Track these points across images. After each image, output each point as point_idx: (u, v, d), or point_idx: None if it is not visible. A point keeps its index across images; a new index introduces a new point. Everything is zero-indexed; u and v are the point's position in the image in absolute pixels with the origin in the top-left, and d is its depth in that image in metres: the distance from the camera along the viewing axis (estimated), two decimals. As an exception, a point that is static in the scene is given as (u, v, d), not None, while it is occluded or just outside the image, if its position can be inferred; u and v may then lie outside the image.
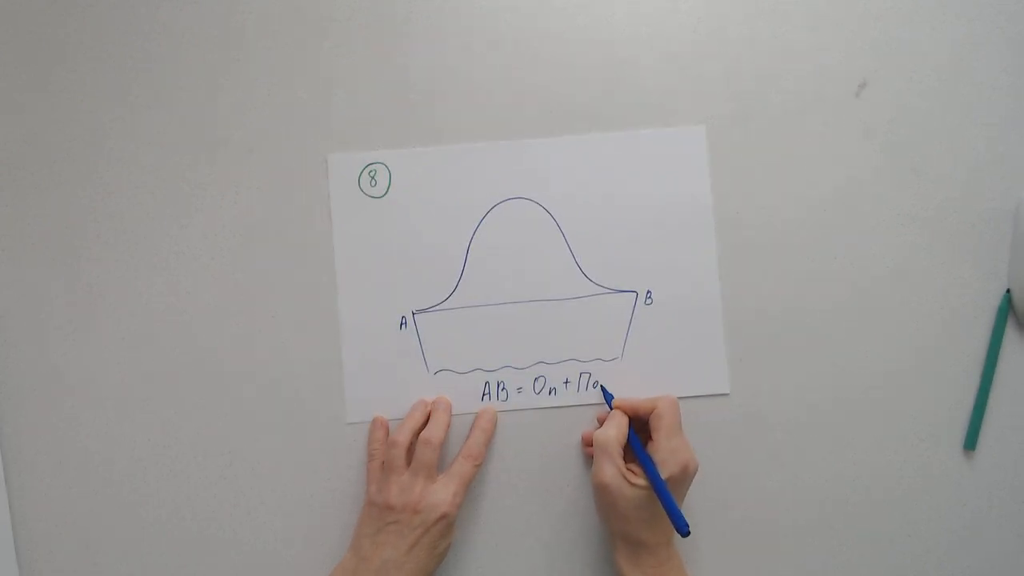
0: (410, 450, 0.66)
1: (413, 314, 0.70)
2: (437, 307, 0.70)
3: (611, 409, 0.67)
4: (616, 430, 0.63)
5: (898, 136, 0.70)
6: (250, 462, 0.69)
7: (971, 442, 0.69)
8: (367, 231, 0.70)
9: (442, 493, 0.64)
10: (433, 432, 0.66)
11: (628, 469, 0.62)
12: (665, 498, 0.60)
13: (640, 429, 0.65)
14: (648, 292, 0.70)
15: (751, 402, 0.69)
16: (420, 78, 0.71)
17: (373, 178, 0.70)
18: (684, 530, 0.58)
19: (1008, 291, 0.69)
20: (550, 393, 0.69)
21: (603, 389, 0.69)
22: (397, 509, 0.63)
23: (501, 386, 0.69)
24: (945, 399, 0.69)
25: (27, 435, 0.69)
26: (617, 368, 0.69)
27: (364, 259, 0.70)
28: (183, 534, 0.69)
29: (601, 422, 0.67)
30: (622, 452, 0.63)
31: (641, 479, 0.61)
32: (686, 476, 0.62)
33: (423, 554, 0.63)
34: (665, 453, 0.61)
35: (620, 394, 0.69)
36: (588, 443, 0.68)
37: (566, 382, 0.70)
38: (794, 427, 0.69)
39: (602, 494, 0.62)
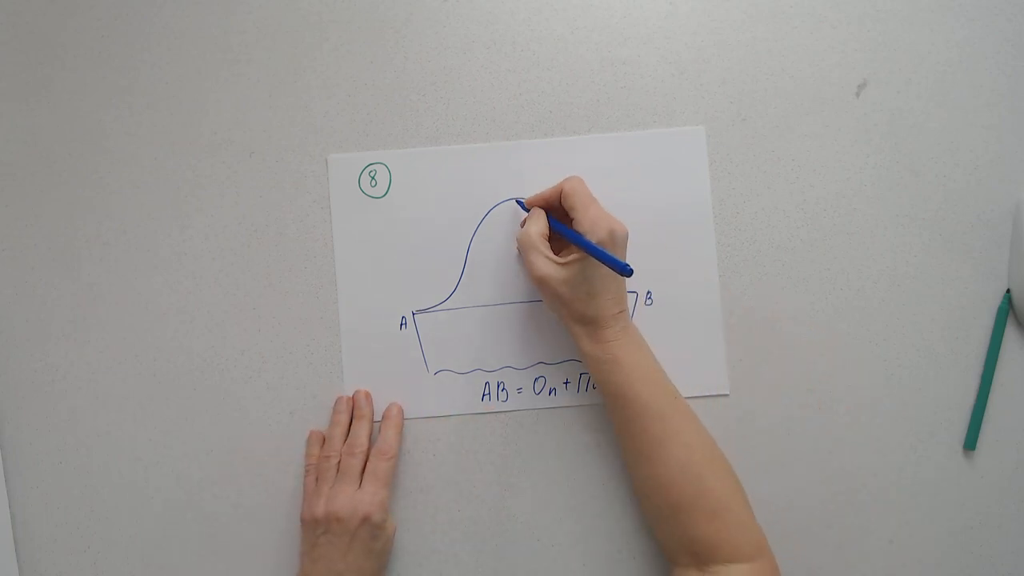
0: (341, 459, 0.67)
1: (413, 314, 0.70)
2: (437, 307, 0.70)
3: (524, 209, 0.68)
4: (536, 225, 0.64)
5: (898, 136, 0.70)
6: (250, 462, 0.69)
7: (971, 442, 0.69)
8: (367, 231, 0.70)
9: (360, 496, 0.64)
10: (352, 442, 0.67)
11: (557, 255, 0.64)
12: (597, 252, 0.61)
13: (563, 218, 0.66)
14: (648, 293, 0.70)
15: (751, 402, 0.69)
16: (420, 78, 0.71)
17: (373, 178, 0.70)
18: (627, 270, 0.59)
19: (1008, 291, 0.69)
20: (550, 393, 0.69)
21: (518, 201, 0.69)
22: (323, 521, 0.64)
23: (501, 386, 0.69)
24: (945, 399, 0.69)
25: (27, 435, 0.69)
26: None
27: (364, 259, 0.70)
28: (183, 534, 0.69)
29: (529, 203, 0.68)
30: (547, 244, 0.64)
31: (569, 255, 0.63)
32: (616, 239, 0.62)
33: (360, 558, 0.64)
34: (587, 224, 0.62)
35: None
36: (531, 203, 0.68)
37: (566, 383, 0.70)
38: (794, 427, 0.69)
39: (542, 286, 0.63)
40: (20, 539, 0.69)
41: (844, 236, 0.70)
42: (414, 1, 0.71)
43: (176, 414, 0.69)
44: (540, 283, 0.63)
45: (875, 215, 0.70)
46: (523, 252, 0.64)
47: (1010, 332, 0.69)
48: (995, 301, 0.69)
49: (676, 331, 0.69)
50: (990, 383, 0.69)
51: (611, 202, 0.70)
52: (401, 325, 0.70)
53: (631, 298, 0.70)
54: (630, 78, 0.71)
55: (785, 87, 0.71)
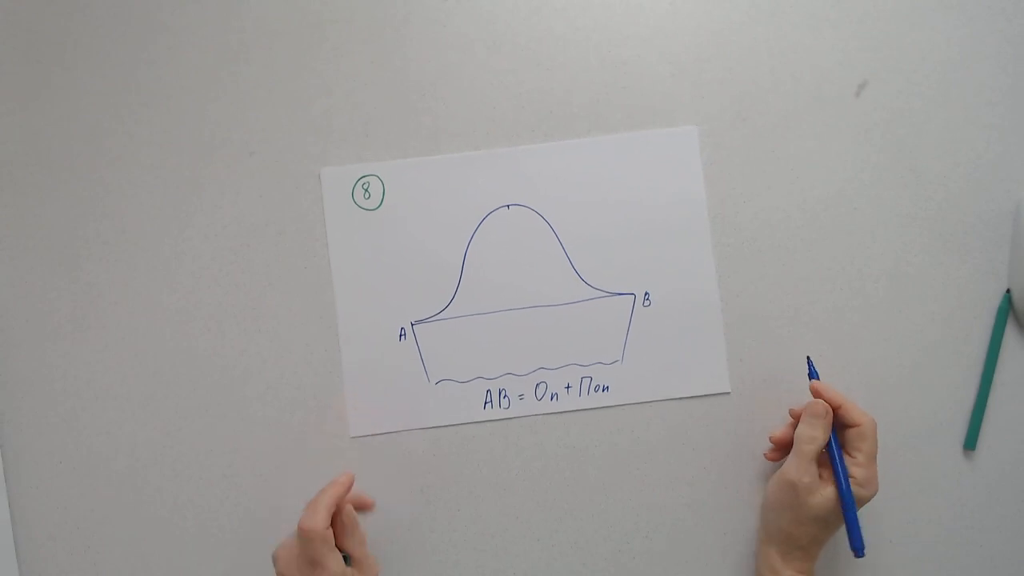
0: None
1: (412, 325, 0.69)
2: (436, 317, 0.69)
3: (811, 380, 0.66)
4: (823, 434, 0.63)
5: (898, 136, 0.70)
6: (250, 462, 0.69)
7: (971, 442, 0.69)
8: (363, 243, 0.70)
9: None
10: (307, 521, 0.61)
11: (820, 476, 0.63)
12: (851, 517, 0.62)
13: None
14: (646, 294, 0.70)
15: (751, 402, 0.69)
16: (419, 79, 0.71)
17: (367, 190, 0.70)
18: (861, 552, 0.62)
19: (1008, 291, 0.69)
20: (552, 399, 0.69)
21: (809, 361, 0.67)
22: None
23: (503, 394, 0.69)
24: (945, 399, 0.69)
25: (27, 435, 0.69)
26: (618, 371, 0.69)
27: (361, 271, 0.70)
28: (183, 534, 0.69)
29: (794, 415, 0.67)
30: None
31: (831, 487, 0.62)
32: (865, 503, 0.63)
33: None
34: (864, 478, 0.62)
35: (624, 395, 0.69)
36: (776, 443, 0.67)
37: (568, 387, 0.69)
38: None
39: (787, 492, 0.63)
40: (20, 539, 0.69)
41: (844, 236, 0.70)
42: (410, 10, 0.71)
43: (176, 414, 0.69)
44: (785, 485, 0.63)
45: (875, 215, 0.70)
46: (797, 451, 0.63)
47: (1010, 332, 0.69)
48: (995, 301, 0.69)
49: (676, 331, 0.69)
50: (990, 383, 0.69)
51: (607, 205, 0.70)
52: (400, 336, 0.69)
53: (627, 300, 0.69)
54: (630, 78, 0.70)
55: (785, 87, 0.71)
